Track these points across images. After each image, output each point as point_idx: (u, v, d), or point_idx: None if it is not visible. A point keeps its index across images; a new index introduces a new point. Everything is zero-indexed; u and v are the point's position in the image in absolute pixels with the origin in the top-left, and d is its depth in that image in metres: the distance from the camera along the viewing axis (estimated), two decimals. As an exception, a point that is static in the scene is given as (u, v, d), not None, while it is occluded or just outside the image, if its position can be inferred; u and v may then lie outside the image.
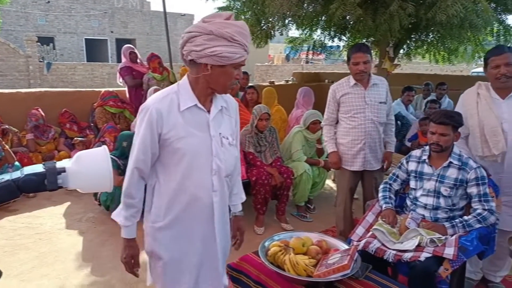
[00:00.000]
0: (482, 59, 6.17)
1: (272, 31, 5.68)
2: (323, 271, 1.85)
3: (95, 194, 3.91)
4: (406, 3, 4.06)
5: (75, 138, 4.96)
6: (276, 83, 8.17)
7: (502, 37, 5.51)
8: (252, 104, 4.70)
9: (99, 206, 3.94)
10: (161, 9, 6.70)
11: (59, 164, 0.90)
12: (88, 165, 0.91)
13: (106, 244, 3.32)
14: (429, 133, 2.35)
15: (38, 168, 0.88)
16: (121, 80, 5.35)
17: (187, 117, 1.47)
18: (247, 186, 3.62)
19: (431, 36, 5.81)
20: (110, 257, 3.10)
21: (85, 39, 21.87)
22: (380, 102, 2.95)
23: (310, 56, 6.75)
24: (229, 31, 1.36)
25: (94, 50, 22.17)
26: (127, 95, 5.37)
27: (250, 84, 5.28)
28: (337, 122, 3.09)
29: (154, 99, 1.48)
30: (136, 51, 5.39)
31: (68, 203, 4.22)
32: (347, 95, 2.95)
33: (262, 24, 5.61)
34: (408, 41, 5.99)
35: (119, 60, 20.01)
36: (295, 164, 3.81)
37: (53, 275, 2.85)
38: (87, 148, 4.78)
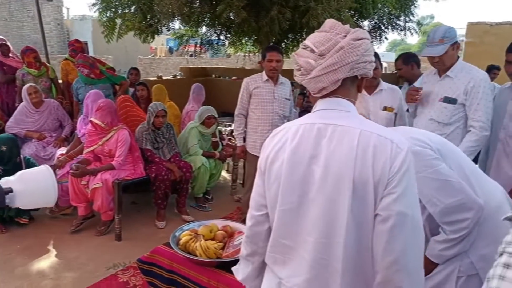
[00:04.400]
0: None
1: (159, 27, 5.68)
2: (230, 252, 2.11)
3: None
4: (284, 8, 4.55)
5: None
6: (164, 78, 8.11)
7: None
8: (143, 101, 4.67)
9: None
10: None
11: (3, 184, 0.93)
12: (33, 185, 0.95)
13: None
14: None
15: None
16: (-12, 75, 4.72)
17: None
18: (147, 183, 3.67)
19: (305, 37, 6.54)
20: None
21: None
22: (286, 99, 3.44)
23: (196, 50, 6.92)
24: None
25: None
26: (-3, 93, 4.78)
27: (140, 81, 5.21)
28: (247, 115, 3.43)
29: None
30: (8, 43, 4.81)
31: None
32: (259, 88, 3.34)
33: (148, 19, 5.56)
34: (285, 40, 6.63)
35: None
36: (192, 158, 3.99)
37: None
38: None
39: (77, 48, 5.00)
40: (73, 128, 4.41)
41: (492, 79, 5.00)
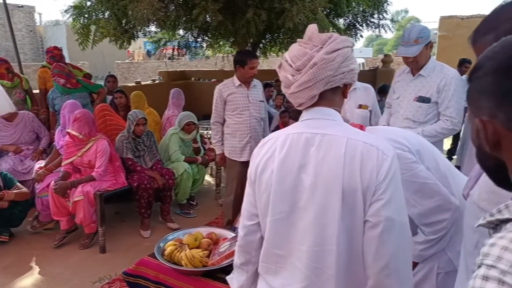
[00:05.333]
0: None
1: (135, 32, 5.61)
2: (216, 259, 2.12)
3: None
4: (260, 10, 4.56)
5: None
6: (142, 83, 8.02)
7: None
8: (122, 108, 4.61)
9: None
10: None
11: None
12: None
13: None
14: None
15: None
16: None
17: None
18: (129, 192, 3.63)
19: (282, 37, 6.57)
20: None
21: None
22: (260, 101, 3.44)
23: (174, 52, 6.86)
24: None
25: None
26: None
27: (117, 88, 5.13)
28: (224, 121, 3.41)
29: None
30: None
31: None
32: (233, 94, 3.32)
33: (124, 25, 5.48)
34: (263, 41, 6.64)
35: None
36: (174, 164, 3.97)
37: None
38: None
39: (56, 55, 4.88)
40: (51, 139, 4.32)
41: (464, 72, 5.14)
